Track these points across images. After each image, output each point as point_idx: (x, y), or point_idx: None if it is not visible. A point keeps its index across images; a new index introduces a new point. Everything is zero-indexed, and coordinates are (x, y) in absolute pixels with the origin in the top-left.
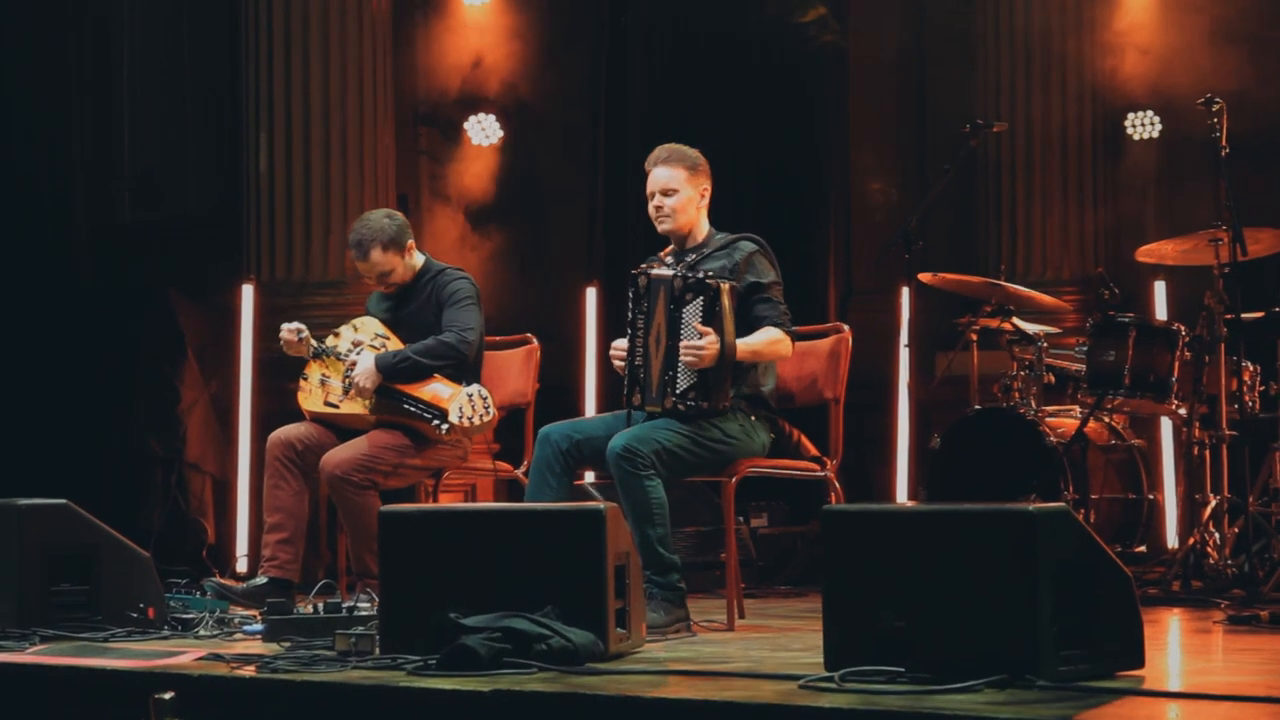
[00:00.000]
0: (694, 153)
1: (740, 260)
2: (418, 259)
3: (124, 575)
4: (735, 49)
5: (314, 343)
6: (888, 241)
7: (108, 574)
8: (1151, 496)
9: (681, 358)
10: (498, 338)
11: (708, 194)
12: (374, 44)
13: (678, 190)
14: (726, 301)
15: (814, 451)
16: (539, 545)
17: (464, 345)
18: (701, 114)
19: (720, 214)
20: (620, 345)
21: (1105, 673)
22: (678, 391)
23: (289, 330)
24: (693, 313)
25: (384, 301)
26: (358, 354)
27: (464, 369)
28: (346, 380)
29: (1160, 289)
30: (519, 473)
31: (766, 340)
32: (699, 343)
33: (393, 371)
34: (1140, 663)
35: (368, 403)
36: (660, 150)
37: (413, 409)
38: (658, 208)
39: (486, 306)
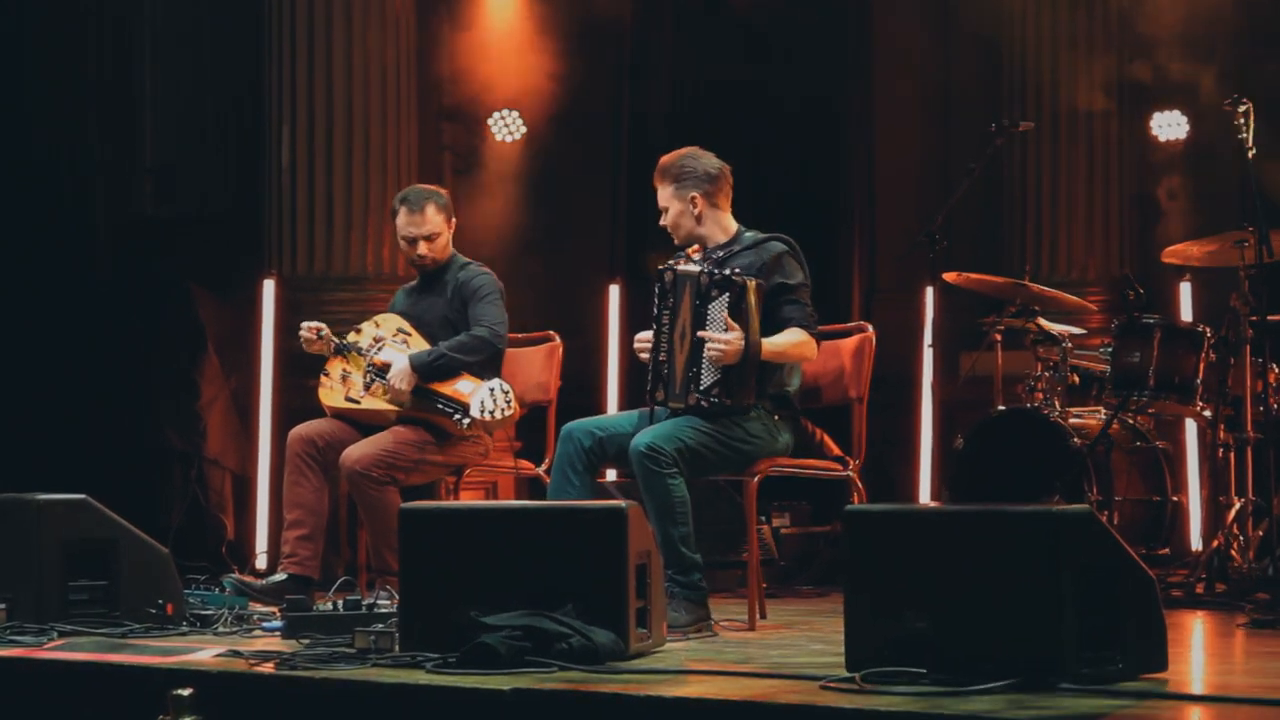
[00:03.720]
0: (679, 160)
1: (769, 260)
2: (450, 246)
3: (143, 571)
4: (759, 45)
5: (335, 339)
6: (912, 241)
7: (126, 569)
8: (1176, 498)
9: (706, 353)
10: (519, 335)
11: (702, 199)
12: (398, 38)
13: (667, 207)
14: (753, 299)
15: (836, 451)
16: (560, 543)
17: (497, 340)
18: (725, 111)
19: (744, 212)
20: (645, 336)
21: (1128, 675)
22: (701, 388)
23: (308, 329)
24: (719, 308)
25: (408, 298)
26: (379, 350)
27: (490, 364)
28: (368, 376)
29: (1186, 290)
30: (540, 470)
31: (792, 341)
32: (724, 336)
33: (429, 370)
34: (1163, 665)
35: (389, 397)
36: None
37: (434, 404)
38: (662, 226)
39: (508, 303)
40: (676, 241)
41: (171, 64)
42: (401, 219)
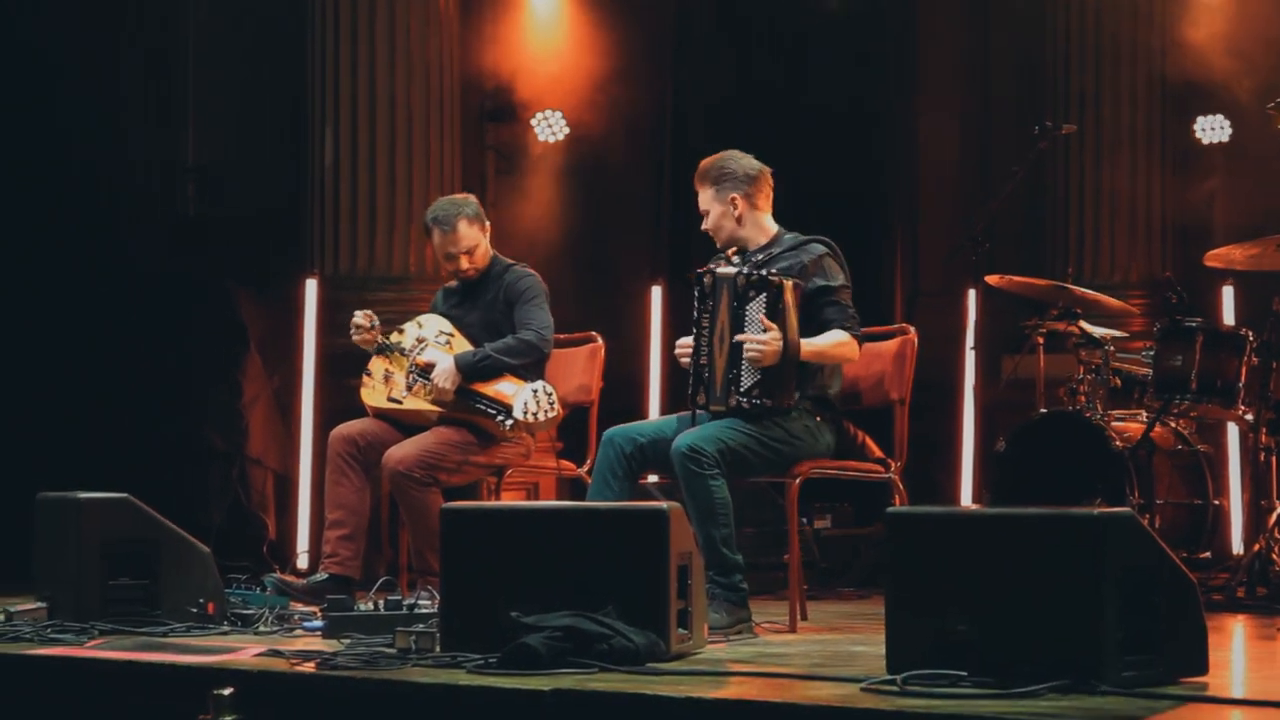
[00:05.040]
0: (718, 162)
1: (809, 262)
2: (490, 248)
3: (184, 570)
4: (802, 46)
5: (380, 337)
6: (955, 243)
7: (168, 568)
8: (1217, 502)
9: (745, 353)
10: (562, 336)
11: (742, 200)
12: (441, 38)
13: (708, 210)
14: (790, 299)
15: (878, 453)
16: (601, 544)
17: (543, 343)
18: (767, 112)
19: (786, 214)
20: (685, 342)
21: (1168, 679)
22: (742, 389)
23: (363, 315)
24: (756, 309)
25: (449, 299)
26: (422, 351)
27: (534, 366)
28: (410, 376)
29: (1228, 294)
30: (582, 471)
31: (832, 341)
32: (762, 337)
33: (474, 370)
34: (1204, 669)
35: (431, 397)
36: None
37: (477, 405)
38: (704, 230)
39: (551, 304)
40: (718, 245)
41: (215, 63)
42: (437, 240)
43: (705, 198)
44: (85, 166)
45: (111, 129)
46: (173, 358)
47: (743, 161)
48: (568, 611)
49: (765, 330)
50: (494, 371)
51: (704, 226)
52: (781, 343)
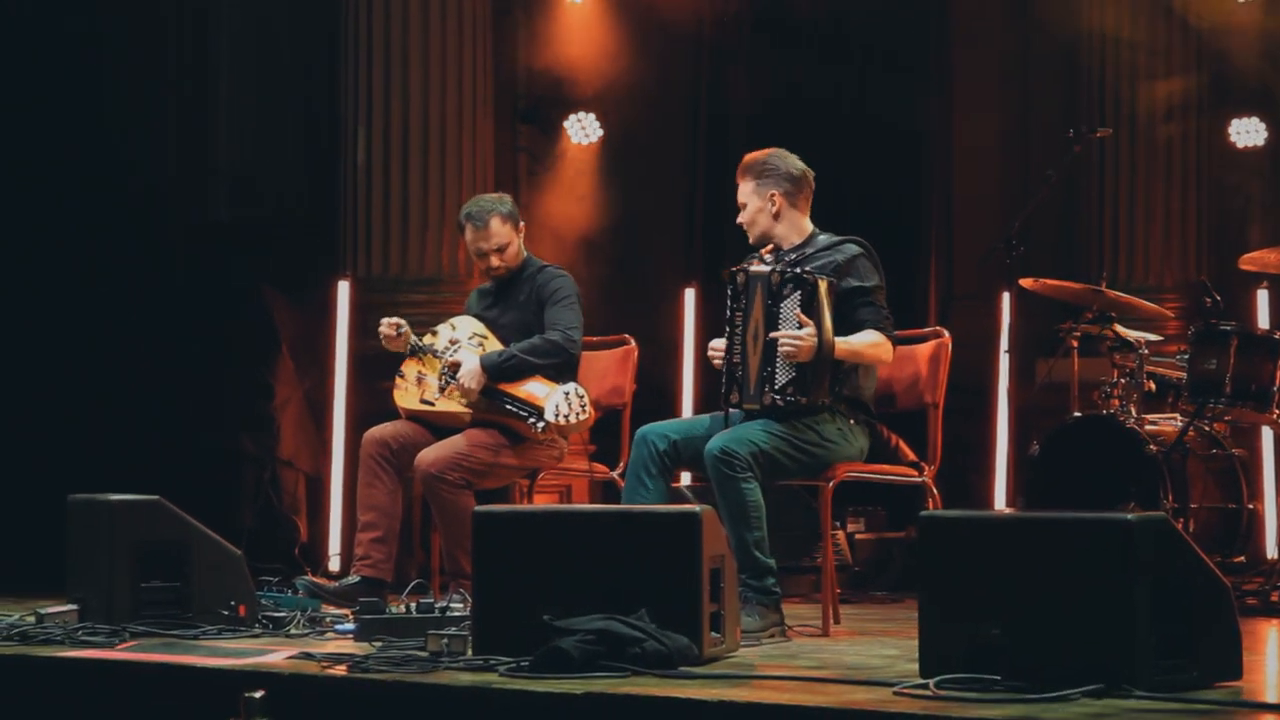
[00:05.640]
0: (763, 158)
1: (843, 262)
2: (523, 249)
3: (216, 572)
4: (838, 50)
5: (412, 339)
6: (990, 247)
7: (199, 571)
8: (1251, 506)
9: (780, 348)
10: (595, 338)
11: (781, 198)
12: (474, 40)
13: (745, 204)
14: (825, 296)
15: (912, 457)
16: (634, 547)
17: (570, 344)
18: (802, 115)
19: (821, 216)
20: (718, 345)
21: (1202, 683)
22: (776, 387)
23: (388, 325)
24: (791, 307)
25: (483, 300)
26: (455, 352)
27: (565, 368)
28: (443, 378)
29: (1263, 297)
30: (615, 474)
31: (867, 342)
32: (797, 332)
33: (499, 371)
34: (1238, 673)
35: (464, 400)
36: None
37: (509, 407)
38: (738, 223)
39: (584, 306)
40: (751, 240)
41: (247, 66)
42: (469, 235)
43: (745, 190)
44: (118, 168)
45: (144, 130)
46: (204, 361)
47: (788, 160)
48: (600, 615)
49: (800, 326)
50: (519, 372)
51: (739, 219)
52: (816, 338)
